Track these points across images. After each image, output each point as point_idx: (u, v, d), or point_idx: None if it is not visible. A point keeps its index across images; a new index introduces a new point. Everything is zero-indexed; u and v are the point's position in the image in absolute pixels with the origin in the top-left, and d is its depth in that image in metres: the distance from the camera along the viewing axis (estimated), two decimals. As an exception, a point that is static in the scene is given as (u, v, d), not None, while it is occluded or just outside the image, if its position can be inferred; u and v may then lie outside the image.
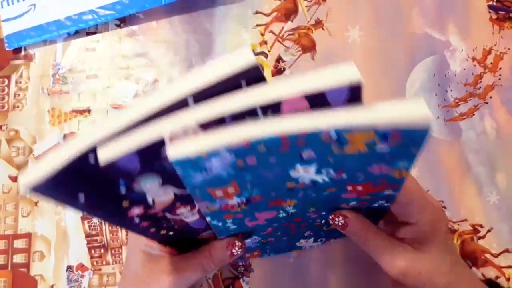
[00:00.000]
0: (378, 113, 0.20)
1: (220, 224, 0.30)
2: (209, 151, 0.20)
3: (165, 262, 0.32)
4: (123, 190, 0.23)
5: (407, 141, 0.21)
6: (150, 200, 0.25)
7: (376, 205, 0.31)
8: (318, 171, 0.24)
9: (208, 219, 0.28)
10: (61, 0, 0.46)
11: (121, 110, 0.22)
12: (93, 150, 0.21)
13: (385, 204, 0.31)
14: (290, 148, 0.21)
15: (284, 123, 0.20)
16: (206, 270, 0.32)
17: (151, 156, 0.21)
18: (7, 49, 0.47)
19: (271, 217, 0.30)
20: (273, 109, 0.21)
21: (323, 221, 0.33)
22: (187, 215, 0.28)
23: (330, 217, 0.32)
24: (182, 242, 0.33)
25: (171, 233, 0.31)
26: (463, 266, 0.33)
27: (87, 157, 0.21)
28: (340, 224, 0.32)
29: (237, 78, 0.21)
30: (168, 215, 0.27)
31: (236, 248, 0.32)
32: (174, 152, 0.20)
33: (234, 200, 0.26)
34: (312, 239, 0.37)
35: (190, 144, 0.20)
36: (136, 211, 0.26)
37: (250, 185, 0.24)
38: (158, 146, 0.21)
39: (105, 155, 0.20)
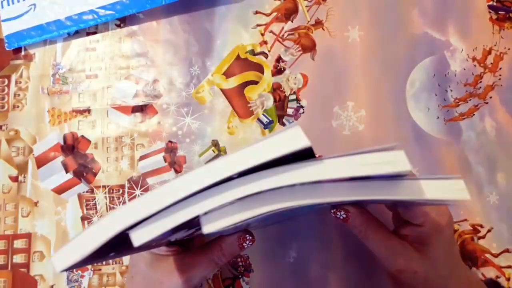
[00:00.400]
0: (419, 191, 0.20)
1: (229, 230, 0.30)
2: (238, 223, 0.21)
3: (174, 260, 0.32)
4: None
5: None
6: (172, 239, 0.26)
7: None
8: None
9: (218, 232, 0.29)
10: (62, 0, 0.46)
11: (160, 192, 0.21)
12: (129, 228, 0.21)
13: None
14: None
15: (316, 195, 0.20)
16: (218, 264, 0.33)
17: (184, 226, 0.22)
18: (7, 49, 0.47)
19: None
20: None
21: None
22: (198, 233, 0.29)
23: (332, 211, 0.32)
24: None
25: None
26: (463, 270, 0.33)
27: (121, 235, 0.21)
28: (341, 218, 0.32)
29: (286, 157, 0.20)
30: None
31: (247, 242, 0.32)
32: (208, 229, 0.21)
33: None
34: None
35: (222, 221, 0.21)
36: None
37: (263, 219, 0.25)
38: (192, 220, 0.21)
39: (139, 238, 0.20)
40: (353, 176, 0.20)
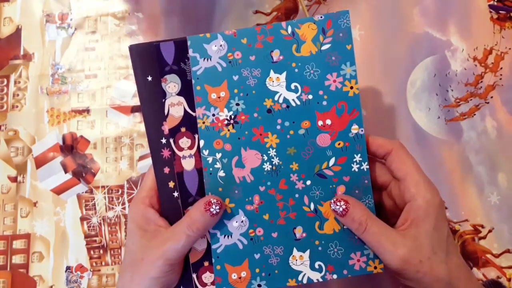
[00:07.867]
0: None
1: (210, 159, 0.33)
2: (211, 34, 0.33)
3: (157, 236, 0.32)
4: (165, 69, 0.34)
5: (338, 31, 0.33)
6: (167, 105, 0.33)
7: (355, 168, 0.33)
8: (288, 87, 0.33)
9: (201, 144, 0.33)
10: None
11: None
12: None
13: (363, 167, 0.33)
14: (263, 44, 0.33)
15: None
16: (190, 236, 0.31)
17: (182, 51, 0.34)
18: None
19: (256, 165, 0.33)
20: None
21: (311, 206, 0.33)
22: (186, 155, 0.34)
23: (332, 201, 0.32)
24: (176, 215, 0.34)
25: (175, 194, 0.33)
26: (458, 258, 0.32)
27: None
28: (341, 209, 0.31)
29: None
30: (173, 144, 0.33)
31: (214, 206, 0.31)
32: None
33: (225, 114, 0.33)
34: (307, 254, 0.34)
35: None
36: (166, 127, 0.34)
37: (238, 91, 0.33)
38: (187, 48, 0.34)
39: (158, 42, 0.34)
40: None
